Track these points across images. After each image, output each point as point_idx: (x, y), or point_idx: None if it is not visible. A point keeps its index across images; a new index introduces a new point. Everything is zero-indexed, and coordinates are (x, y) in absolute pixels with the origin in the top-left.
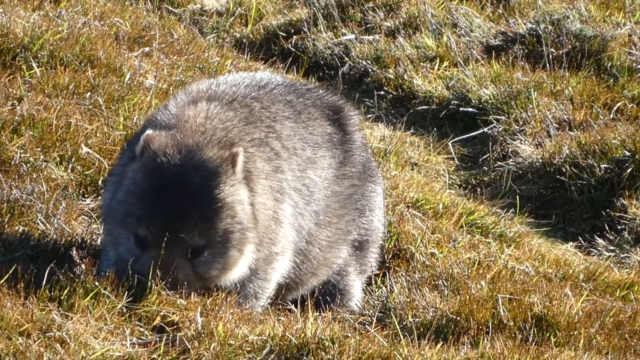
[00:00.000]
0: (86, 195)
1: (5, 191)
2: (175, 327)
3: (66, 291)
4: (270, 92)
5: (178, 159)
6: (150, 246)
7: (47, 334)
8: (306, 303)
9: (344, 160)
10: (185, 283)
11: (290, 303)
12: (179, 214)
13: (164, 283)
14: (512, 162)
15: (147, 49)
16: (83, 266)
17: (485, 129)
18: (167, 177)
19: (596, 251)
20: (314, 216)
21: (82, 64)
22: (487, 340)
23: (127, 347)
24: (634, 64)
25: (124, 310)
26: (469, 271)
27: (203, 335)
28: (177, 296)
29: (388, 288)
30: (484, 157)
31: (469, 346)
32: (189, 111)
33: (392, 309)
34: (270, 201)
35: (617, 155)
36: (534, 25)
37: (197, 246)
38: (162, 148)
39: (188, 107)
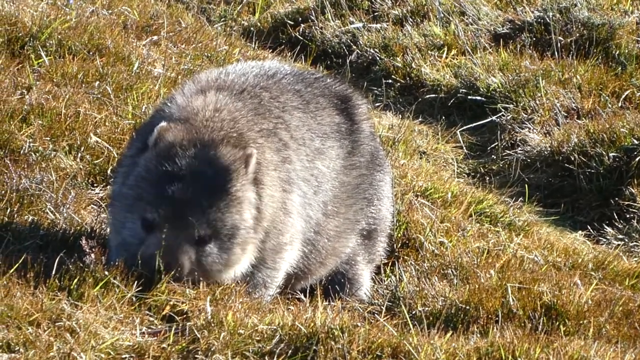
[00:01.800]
0: (95, 185)
1: (14, 180)
2: (184, 316)
3: (76, 280)
4: (279, 81)
5: (193, 152)
6: (157, 228)
7: (56, 324)
8: (315, 292)
9: (352, 150)
10: (188, 271)
11: (299, 292)
12: (190, 201)
13: (167, 268)
14: (520, 150)
15: (155, 37)
16: (92, 255)
17: (494, 118)
18: (181, 167)
19: (605, 240)
20: (322, 206)
21: (91, 53)
22: (497, 329)
23: (136, 337)
24: None
25: (134, 299)
26: (478, 260)
27: (213, 325)
28: (186, 285)
29: (397, 277)
30: (493, 145)
31: (479, 335)
32: (197, 102)
33: (402, 298)
34: (278, 192)
35: (626, 143)
36: (541, 13)
37: (204, 235)
38: (178, 140)
39: (197, 97)
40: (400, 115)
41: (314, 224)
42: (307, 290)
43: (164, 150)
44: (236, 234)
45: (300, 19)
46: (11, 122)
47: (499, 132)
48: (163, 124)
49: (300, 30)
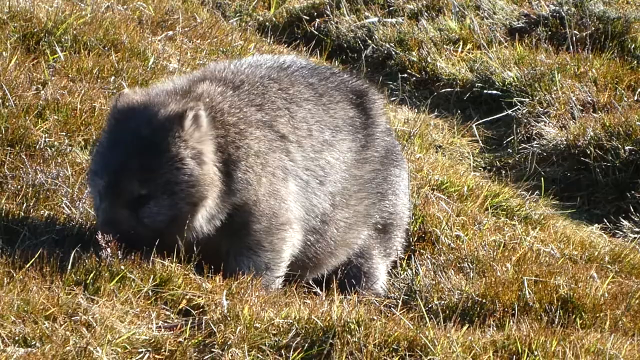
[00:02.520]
0: None
1: (30, 175)
2: (201, 310)
3: (92, 275)
4: (292, 74)
5: (135, 114)
6: (102, 199)
7: (73, 318)
8: (331, 286)
9: (365, 144)
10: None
11: (315, 285)
12: (122, 165)
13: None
14: (536, 144)
15: (170, 32)
16: (108, 250)
17: (509, 111)
18: (122, 131)
19: (621, 233)
20: (330, 197)
21: (106, 48)
22: (513, 322)
23: (153, 331)
24: None
25: (150, 293)
26: (495, 253)
27: (229, 319)
28: (203, 279)
29: (413, 271)
30: (508, 139)
31: (495, 328)
32: (192, 87)
33: (418, 292)
34: (256, 177)
35: None
36: (557, 7)
37: (138, 196)
38: (125, 105)
39: (192, 84)
40: (416, 110)
41: (320, 212)
42: (323, 284)
43: (112, 118)
44: (175, 190)
45: (315, 13)
46: (27, 118)
47: (514, 125)
48: (123, 91)
49: (316, 25)
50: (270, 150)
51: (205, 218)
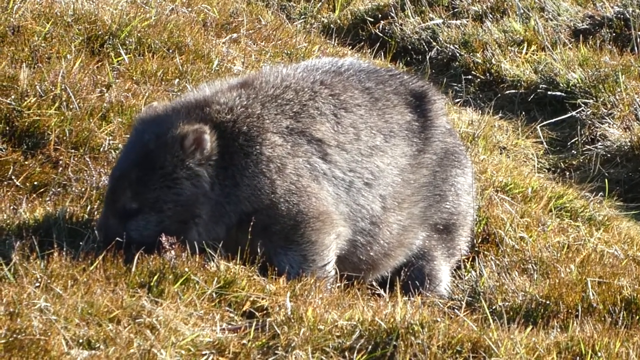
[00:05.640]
0: None
1: (94, 178)
2: (264, 312)
3: (156, 277)
4: (347, 79)
5: (150, 127)
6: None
7: (137, 320)
8: (395, 288)
9: (423, 147)
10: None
11: (378, 287)
12: (122, 175)
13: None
14: (600, 145)
15: (234, 35)
16: (173, 252)
17: (574, 113)
18: (135, 142)
19: None
20: (380, 200)
21: (170, 51)
22: (577, 323)
23: (217, 333)
24: None
25: (214, 295)
26: (558, 255)
27: (293, 321)
28: (267, 281)
29: (477, 272)
30: (573, 140)
31: (559, 330)
32: (215, 98)
33: (482, 293)
34: (269, 181)
35: None
36: (621, 9)
37: (129, 208)
38: (147, 117)
39: (221, 92)
40: (480, 111)
41: (369, 214)
42: (387, 286)
43: (134, 126)
44: (164, 208)
45: (380, 15)
46: (91, 120)
47: (579, 127)
48: (154, 103)
49: (380, 26)
50: (291, 155)
51: (200, 233)
